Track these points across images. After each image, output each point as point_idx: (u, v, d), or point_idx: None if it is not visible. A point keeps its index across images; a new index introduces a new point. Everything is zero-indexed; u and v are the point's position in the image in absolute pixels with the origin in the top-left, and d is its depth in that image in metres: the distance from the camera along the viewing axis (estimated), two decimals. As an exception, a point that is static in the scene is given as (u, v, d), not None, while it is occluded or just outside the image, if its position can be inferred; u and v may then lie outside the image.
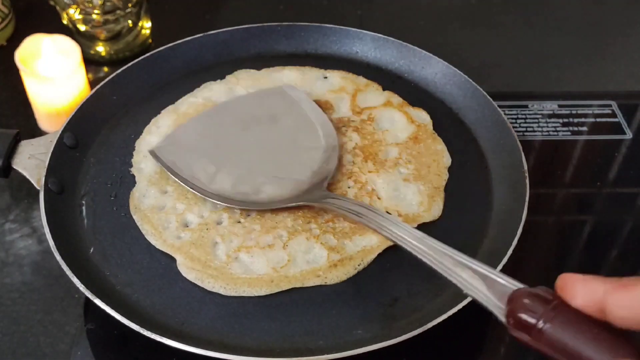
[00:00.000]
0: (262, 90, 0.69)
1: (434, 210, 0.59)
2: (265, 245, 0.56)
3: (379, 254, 0.56)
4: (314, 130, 0.64)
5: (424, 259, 0.44)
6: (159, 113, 0.67)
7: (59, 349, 0.56)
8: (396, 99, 0.69)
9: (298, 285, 0.54)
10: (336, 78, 0.71)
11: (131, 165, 0.63)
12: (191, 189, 0.58)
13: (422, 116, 0.68)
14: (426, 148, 0.64)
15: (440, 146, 0.65)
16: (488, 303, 0.38)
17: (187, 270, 0.55)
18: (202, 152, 0.62)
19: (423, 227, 0.58)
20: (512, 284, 0.38)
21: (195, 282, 0.54)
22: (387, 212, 0.58)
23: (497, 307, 0.37)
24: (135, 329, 0.49)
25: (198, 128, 0.64)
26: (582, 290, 0.34)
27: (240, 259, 0.55)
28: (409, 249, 0.46)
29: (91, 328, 0.57)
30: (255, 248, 0.56)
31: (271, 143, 0.63)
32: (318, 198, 0.56)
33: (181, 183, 0.59)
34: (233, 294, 0.53)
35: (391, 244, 0.54)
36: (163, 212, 0.59)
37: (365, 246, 0.56)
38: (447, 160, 0.64)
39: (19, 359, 0.55)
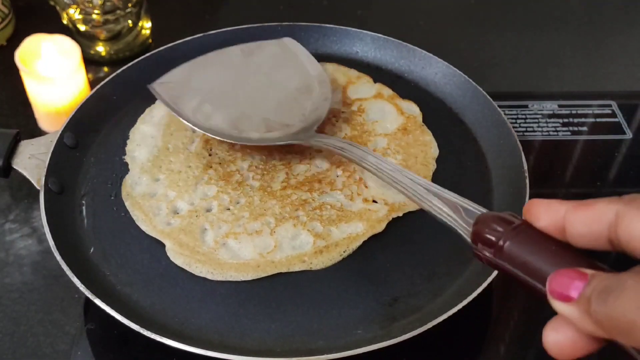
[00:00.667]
0: (264, 41, 0.71)
1: None
2: (252, 231, 0.56)
3: (379, 254, 0.56)
4: (309, 80, 0.66)
5: (400, 188, 0.48)
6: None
7: (59, 349, 0.56)
8: (387, 91, 0.70)
9: (284, 270, 0.54)
10: (328, 70, 0.72)
11: (125, 155, 0.63)
12: (188, 123, 0.61)
13: (412, 108, 0.68)
14: (414, 139, 0.65)
15: (428, 137, 0.66)
16: (457, 226, 0.41)
17: (175, 255, 0.55)
18: (200, 91, 0.64)
19: (422, 226, 0.58)
20: (480, 210, 0.40)
21: (183, 267, 0.55)
22: (374, 201, 0.59)
23: (465, 230, 0.40)
24: (135, 329, 0.49)
25: (197, 69, 0.67)
26: (545, 212, 0.35)
27: (228, 245, 0.56)
28: (387, 180, 0.50)
29: (91, 328, 0.57)
30: (243, 234, 0.56)
31: (266, 88, 0.66)
32: (306, 137, 0.60)
33: (178, 117, 0.61)
34: (220, 278, 0.54)
35: (377, 231, 0.57)
36: (154, 199, 0.59)
37: (351, 233, 0.57)
38: (434, 151, 0.65)
39: (19, 359, 0.55)
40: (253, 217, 0.58)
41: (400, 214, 0.58)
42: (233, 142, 0.61)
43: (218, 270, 0.54)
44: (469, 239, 0.39)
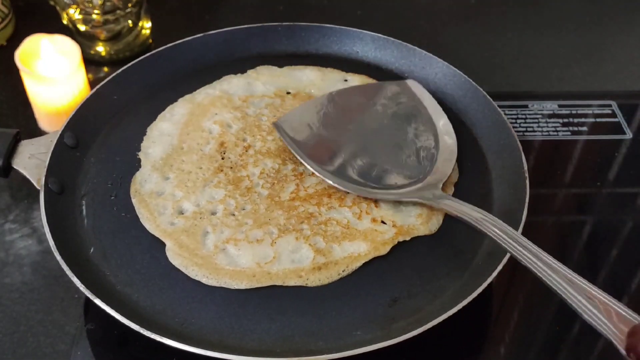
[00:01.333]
0: (385, 82, 0.70)
1: (432, 225, 0.58)
2: (254, 239, 0.56)
3: (379, 255, 0.56)
4: (433, 129, 0.65)
5: (542, 277, 0.46)
6: (157, 116, 0.67)
7: (59, 349, 0.56)
8: None
9: (279, 283, 0.54)
10: (356, 81, 0.71)
11: (139, 151, 0.63)
12: (312, 169, 0.60)
13: None
14: None
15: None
16: (606, 330, 0.40)
17: (174, 255, 0.55)
18: (323, 133, 0.63)
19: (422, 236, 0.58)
20: (631, 316, 0.39)
21: (180, 268, 0.54)
22: (383, 222, 0.58)
23: (616, 337, 0.39)
24: (135, 329, 0.49)
25: (320, 109, 0.66)
26: None
27: (227, 251, 0.56)
28: (527, 264, 0.47)
29: (91, 328, 0.57)
30: (244, 241, 0.56)
31: (390, 135, 0.64)
32: (433, 198, 0.57)
33: (302, 161, 0.60)
34: (214, 283, 0.54)
35: (379, 254, 0.55)
36: (161, 197, 0.59)
37: (353, 253, 0.56)
38: (455, 175, 0.63)
39: (19, 359, 0.55)
40: (257, 225, 0.57)
41: (408, 238, 0.57)
42: (355, 193, 0.59)
43: (213, 275, 0.54)
44: (620, 348, 0.38)
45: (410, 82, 0.69)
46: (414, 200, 0.58)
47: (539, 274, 0.46)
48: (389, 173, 0.61)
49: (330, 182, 0.59)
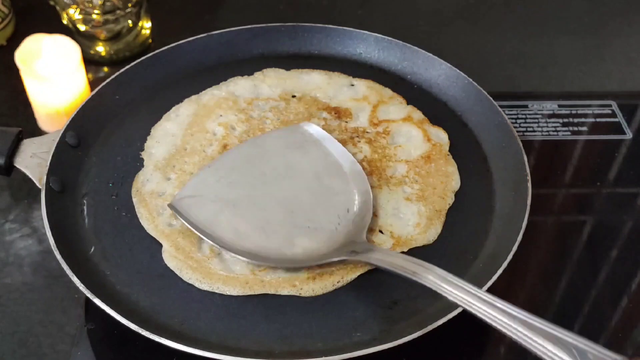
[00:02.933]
0: (281, 129, 0.65)
1: (430, 235, 0.58)
2: None
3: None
4: (341, 173, 0.60)
5: (497, 325, 0.41)
6: (161, 117, 0.67)
7: (59, 349, 0.56)
8: (417, 114, 0.68)
9: (272, 291, 0.53)
10: (362, 87, 0.70)
11: (141, 152, 0.63)
12: (219, 246, 0.54)
13: (441, 135, 0.66)
14: (436, 169, 0.62)
15: (452, 168, 0.63)
16: None
17: (170, 257, 0.55)
18: (224, 203, 0.57)
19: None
20: (609, 356, 0.35)
21: (174, 271, 0.54)
22: (380, 232, 0.57)
23: None
24: (134, 329, 0.49)
25: (216, 176, 0.59)
26: None
27: (222, 256, 0.55)
28: (477, 313, 0.43)
29: (91, 328, 0.57)
30: None
31: (297, 188, 0.59)
32: (361, 251, 0.52)
33: (207, 240, 0.55)
34: (206, 288, 0.54)
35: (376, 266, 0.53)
36: (161, 198, 0.59)
37: (348, 264, 0.55)
38: (455, 184, 0.62)
39: (19, 359, 0.55)
40: None
41: (405, 250, 0.56)
42: (275, 266, 0.54)
43: (207, 280, 0.54)
44: None
45: (306, 125, 0.64)
46: (343, 259, 0.53)
47: (490, 322, 0.41)
48: (305, 235, 0.55)
49: (247, 260, 0.54)
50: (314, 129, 0.64)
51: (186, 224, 0.56)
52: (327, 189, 0.59)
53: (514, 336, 0.40)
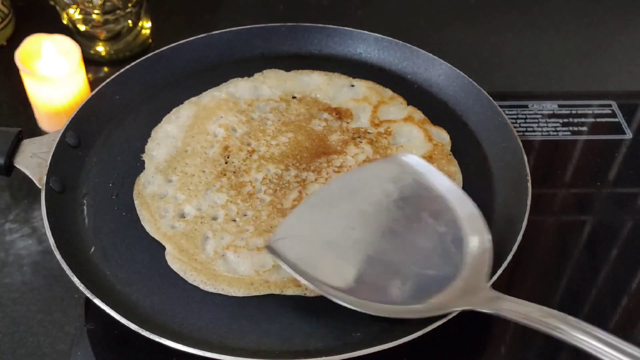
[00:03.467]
0: (378, 161, 0.61)
1: None
2: (254, 247, 0.56)
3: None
4: (449, 211, 0.54)
5: None
6: (161, 117, 0.67)
7: (59, 349, 0.56)
8: (418, 115, 0.68)
9: (276, 292, 0.53)
10: (362, 87, 0.70)
11: (143, 152, 0.63)
12: (323, 292, 0.50)
13: (442, 135, 0.66)
14: (439, 168, 0.61)
15: (453, 168, 0.63)
16: None
17: (173, 259, 0.55)
18: (323, 243, 0.53)
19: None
20: None
21: (178, 273, 0.54)
22: None
23: None
24: (134, 328, 0.49)
25: (313, 214, 0.55)
26: None
27: (227, 257, 0.56)
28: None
29: (91, 328, 0.57)
30: (244, 249, 0.56)
31: (399, 228, 0.53)
32: (485, 301, 0.47)
33: (310, 285, 0.50)
34: (211, 290, 0.54)
35: None
36: (163, 200, 0.59)
37: None
38: (458, 183, 0.61)
39: (19, 359, 0.55)
40: (257, 233, 0.57)
41: None
42: (376, 314, 0.49)
43: (211, 282, 0.54)
44: None
45: (405, 157, 0.59)
46: (467, 309, 0.48)
47: None
48: (414, 279, 0.50)
49: (351, 307, 0.49)
50: (413, 159, 0.58)
51: (286, 268, 0.51)
52: (435, 230, 0.53)
53: None
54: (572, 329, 0.43)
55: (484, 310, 0.47)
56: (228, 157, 0.62)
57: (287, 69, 0.72)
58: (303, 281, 0.50)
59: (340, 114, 0.67)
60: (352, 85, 0.71)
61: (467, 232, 0.53)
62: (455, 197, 0.55)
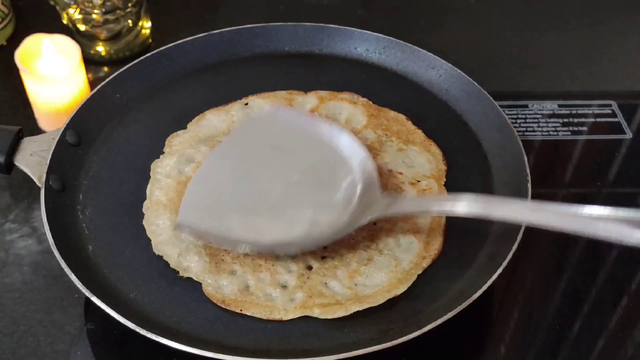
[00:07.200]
0: (248, 121, 0.65)
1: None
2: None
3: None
4: (329, 149, 0.59)
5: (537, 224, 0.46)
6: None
7: (59, 349, 0.56)
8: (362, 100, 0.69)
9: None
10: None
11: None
12: (244, 251, 0.54)
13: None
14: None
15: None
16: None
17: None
18: (233, 203, 0.56)
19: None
20: None
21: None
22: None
23: None
24: (132, 327, 0.49)
25: (209, 183, 0.57)
26: None
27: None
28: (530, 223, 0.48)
29: (91, 328, 0.57)
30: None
31: (292, 170, 0.57)
32: (384, 208, 0.53)
33: (228, 248, 0.54)
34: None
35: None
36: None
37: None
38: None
39: (19, 359, 0.55)
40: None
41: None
42: (308, 249, 0.54)
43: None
44: None
45: (272, 109, 0.64)
46: (374, 218, 0.53)
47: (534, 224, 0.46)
48: (325, 209, 0.55)
49: (277, 253, 0.54)
50: (282, 110, 0.63)
51: (199, 238, 0.54)
52: (321, 163, 0.58)
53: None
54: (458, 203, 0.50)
55: (385, 214, 0.53)
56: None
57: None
58: (223, 246, 0.54)
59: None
60: (246, 104, 0.69)
61: (350, 160, 0.57)
62: (330, 134, 0.59)
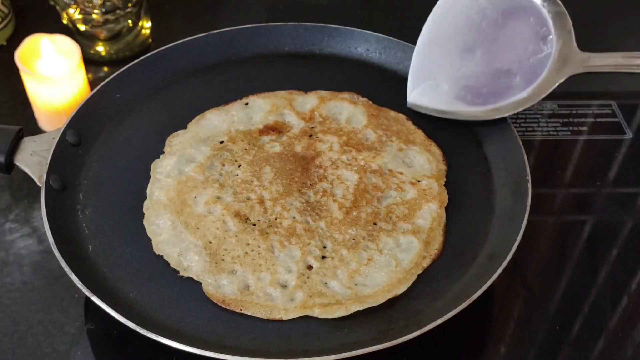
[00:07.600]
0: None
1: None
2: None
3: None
4: (526, 6, 0.64)
5: None
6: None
7: (59, 349, 0.56)
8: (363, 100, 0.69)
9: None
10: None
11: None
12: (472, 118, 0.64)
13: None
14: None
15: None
16: None
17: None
18: (449, 77, 0.66)
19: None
20: None
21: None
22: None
23: None
24: (132, 327, 0.49)
25: (429, 57, 0.67)
26: None
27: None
28: None
29: (91, 328, 0.57)
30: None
31: (499, 36, 0.65)
32: (579, 64, 0.62)
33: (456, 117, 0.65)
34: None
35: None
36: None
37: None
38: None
39: (19, 359, 0.55)
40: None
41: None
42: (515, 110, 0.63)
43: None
44: None
45: None
46: (565, 79, 0.61)
47: None
48: (523, 71, 0.63)
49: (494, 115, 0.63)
50: None
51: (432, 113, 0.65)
52: (522, 24, 0.64)
53: None
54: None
55: (580, 72, 0.61)
56: (247, 219, 0.58)
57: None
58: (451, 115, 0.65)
59: (274, 129, 0.65)
60: (246, 104, 0.68)
61: (545, 15, 0.64)
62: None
